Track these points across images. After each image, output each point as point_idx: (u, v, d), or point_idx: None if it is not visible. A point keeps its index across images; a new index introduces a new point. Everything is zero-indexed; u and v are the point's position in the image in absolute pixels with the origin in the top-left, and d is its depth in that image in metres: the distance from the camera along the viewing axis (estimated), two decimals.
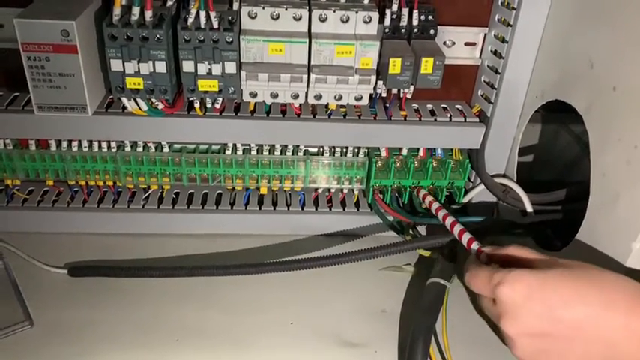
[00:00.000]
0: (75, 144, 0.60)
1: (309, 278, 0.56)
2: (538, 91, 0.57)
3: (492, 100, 0.59)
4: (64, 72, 0.49)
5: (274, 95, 0.55)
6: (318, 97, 0.56)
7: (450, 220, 0.54)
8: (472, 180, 0.65)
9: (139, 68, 0.50)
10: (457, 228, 0.52)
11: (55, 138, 0.58)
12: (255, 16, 0.53)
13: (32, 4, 0.50)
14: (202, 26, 0.50)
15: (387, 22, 0.56)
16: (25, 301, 0.54)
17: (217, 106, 0.56)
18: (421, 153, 0.62)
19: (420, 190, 0.63)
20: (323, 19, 0.53)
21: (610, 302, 0.37)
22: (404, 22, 0.56)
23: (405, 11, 0.56)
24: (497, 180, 0.61)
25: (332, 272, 0.55)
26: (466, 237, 0.50)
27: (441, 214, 0.56)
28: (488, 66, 0.60)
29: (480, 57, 0.61)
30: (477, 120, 0.61)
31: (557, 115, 0.67)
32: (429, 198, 0.60)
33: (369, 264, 0.55)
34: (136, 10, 0.49)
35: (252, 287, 0.56)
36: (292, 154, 0.62)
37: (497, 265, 0.42)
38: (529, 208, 0.58)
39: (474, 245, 0.48)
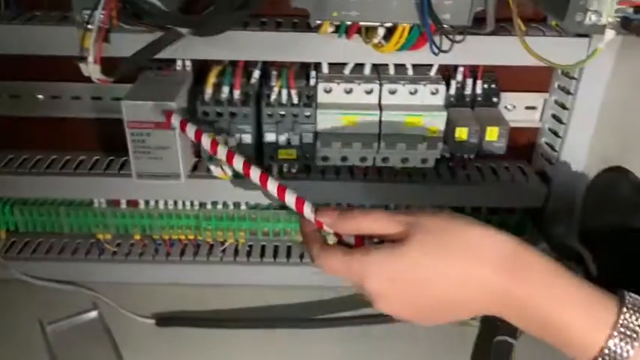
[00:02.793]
0: (161, 202, 0.65)
1: (372, 332, 0.59)
2: (599, 155, 0.59)
3: (553, 162, 0.62)
4: (162, 145, 0.54)
5: (344, 159, 0.59)
6: (386, 160, 0.59)
7: (255, 171, 0.44)
8: (533, 237, 0.67)
9: (227, 141, 0.55)
10: (272, 184, 0.42)
11: (149, 199, 0.64)
12: (331, 91, 0.57)
13: (134, 84, 0.56)
14: (284, 102, 0.55)
15: (452, 90, 0.60)
16: (120, 351, 0.59)
17: (294, 170, 0.61)
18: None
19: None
20: (392, 92, 0.58)
21: (471, 272, 0.36)
22: (468, 90, 0.60)
23: (469, 81, 0.59)
24: (560, 239, 0.63)
25: (394, 327, 0.57)
26: (291, 198, 0.41)
27: (239, 160, 0.45)
28: (548, 129, 0.63)
29: (540, 120, 0.64)
30: (539, 180, 0.63)
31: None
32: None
33: None
34: (225, 89, 0.55)
35: (328, 340, 0.60)
36: None
37: (351, 239, 0.40)
38: (594, 272, 0.59)
39: (309, 213, 0.41)
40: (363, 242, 0.40)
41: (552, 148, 0.62)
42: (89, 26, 0.44)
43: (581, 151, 0.60)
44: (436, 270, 0.36)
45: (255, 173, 0.44)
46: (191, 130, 0.49)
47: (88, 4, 0.44)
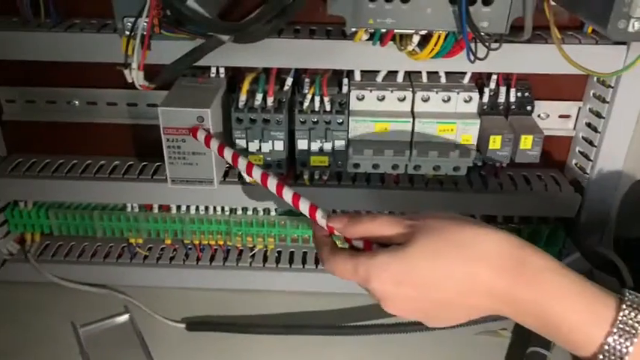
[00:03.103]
0: (193, 207, 0.66)
1: (402, 342, 0.59)
2: (635, 164, 0.58)
3: (588, 171, 0.61)
4: (196, 151, 0.55)
5: (376, 166, 0.59)
6: (418, 168, 0.59)
7: (273, 180, 0.47)
8: (567, 246, 0.66)
9: (260, 147, 0.56)
10: (288, 193, 0.45)
11: (181, 204, 0.65)
12: (363, 98, 0.57)
13: (170, 92, 0.56)
14: (316, 109, 0.56)
15: (486, 98, 0.59)
16: (151, 354, 0.59)
17: (325, 177, 0.61)
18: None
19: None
20: (425, 100, 0.57)
21: (475, 273, 0.37)
22: (501, 99, 0.59)
23: (503, 89, 0.59)
24: (594, 249, 0.62)
25: (425, 337, 0.57)
26: (305, 205, 0.44)
27: (258, 171, 0.48)
28: (582, 137, 0.62)
29: (574, 128, 0.63)
30: (573, 189, 0.62)
31: None
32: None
33: (465, 328, 0.57)
34: (259, 96, 0.55)
35: (356, 347, 0.60)
36: None
37: (360, 243, 0.42)
38: (629, 282, 0.58)
39: (321, 219, 0.43)
40: (371, 246, 0.41)
41: (587, 157, 0.61)
42: (132, 34, 0.45)
43: (616, 160, 0.59)
44: (440, 272, 0.37)
45: (272, 183, 0.46)
46: (215, 144, 0.51)
47: (129, 12, 0.45)
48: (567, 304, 0.35)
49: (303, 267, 0.68)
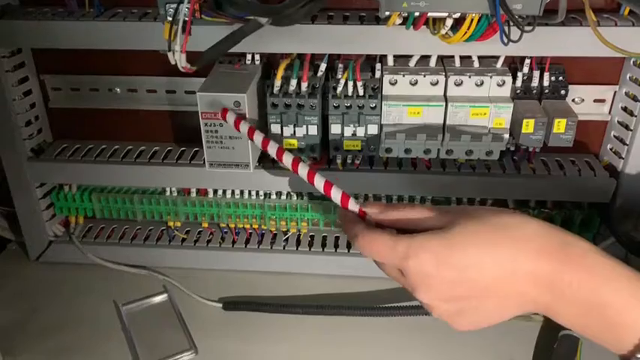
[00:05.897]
0: (229, 192, 0.68)
1: (433, 325, 0.59)
2: None
3: (623, 156, 0.60)
4: (233, 135, 0.57)
5: (408, 151, 0.60)
6: (450, 152, 0.60)
7: (303, 168, 0.46)
8: (601, 232, 0.65)
9: (294, 131, 0.57)
10: (319, 180, 0.44)
11: (218, 188, 0.67)
12: (396, 83, 0.58)
13: (207, 78, 0.58)
14: (350, 94, 0.57)
15: (519, 83, 0.59)
16: (190, 331, 0.61)
17: (357, 162, 0.62)
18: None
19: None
20: (458, 84, 0.58)
21: (518, 255, 0.36)
22: (535, 83, 0.59)
23: (536, 73, 0.59)
24: (629, 234, 0.62)
25: None
26: (337, 193, 0.43)
27: (288, 158, 0.47)
28: (618, 122, 0.61)
29: (610, 113, 0.62)
30: (607, 174, 0.62)
31: None
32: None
33: None
34: (293, 82, 0.57)
35: (390, 328, 0.61)
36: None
37: (393, 230, 0.40)
38: None
39: (353, 205, 0.42)
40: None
41: (622, 141, 0.60)
42: (174, 19, 0.46)
43: None
44: (482, 254, 0.37)
45: (303, 169, 0.46)
46: (244, 127, 0.52)
47: None
48: (615, 285, 0.34)
49: (335, 251, 0.70)
